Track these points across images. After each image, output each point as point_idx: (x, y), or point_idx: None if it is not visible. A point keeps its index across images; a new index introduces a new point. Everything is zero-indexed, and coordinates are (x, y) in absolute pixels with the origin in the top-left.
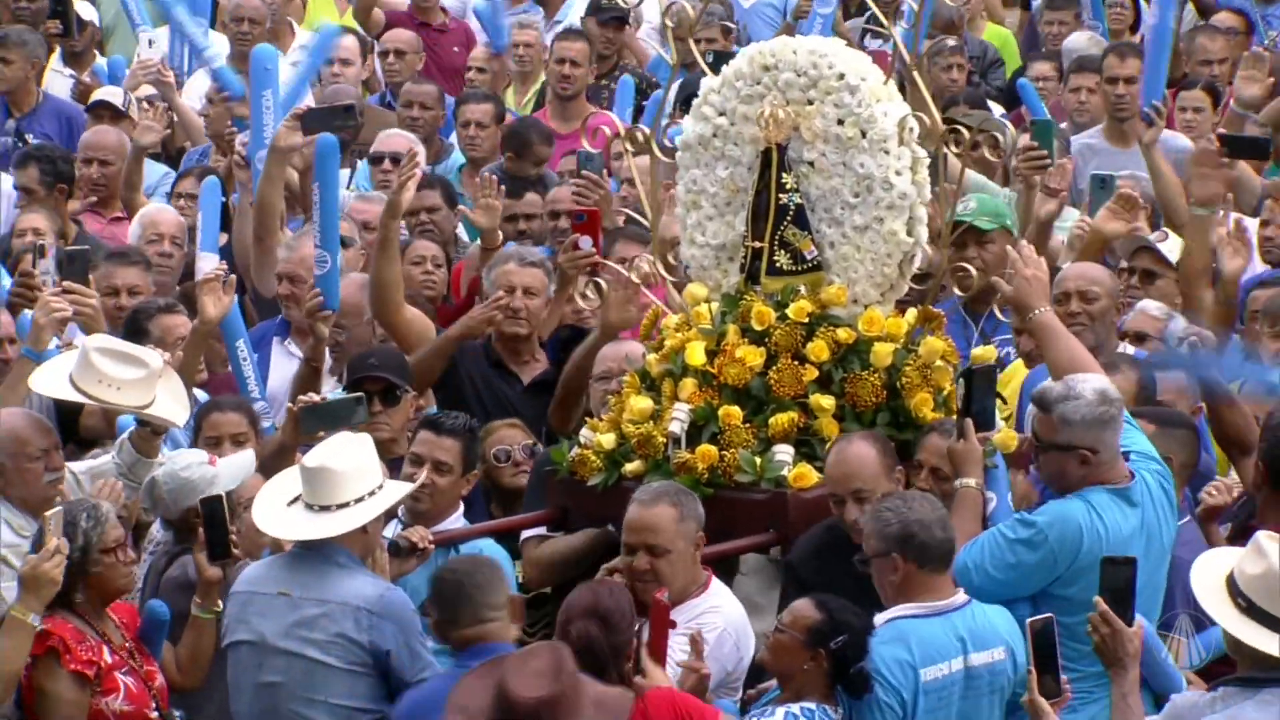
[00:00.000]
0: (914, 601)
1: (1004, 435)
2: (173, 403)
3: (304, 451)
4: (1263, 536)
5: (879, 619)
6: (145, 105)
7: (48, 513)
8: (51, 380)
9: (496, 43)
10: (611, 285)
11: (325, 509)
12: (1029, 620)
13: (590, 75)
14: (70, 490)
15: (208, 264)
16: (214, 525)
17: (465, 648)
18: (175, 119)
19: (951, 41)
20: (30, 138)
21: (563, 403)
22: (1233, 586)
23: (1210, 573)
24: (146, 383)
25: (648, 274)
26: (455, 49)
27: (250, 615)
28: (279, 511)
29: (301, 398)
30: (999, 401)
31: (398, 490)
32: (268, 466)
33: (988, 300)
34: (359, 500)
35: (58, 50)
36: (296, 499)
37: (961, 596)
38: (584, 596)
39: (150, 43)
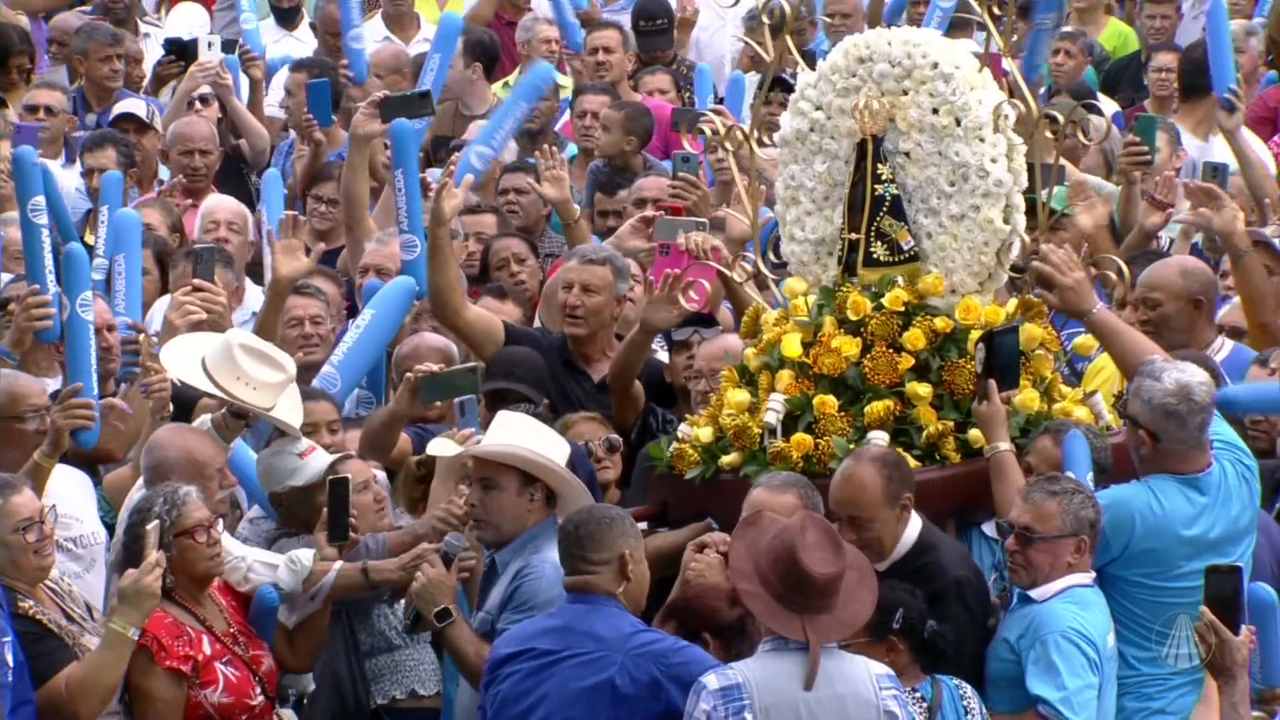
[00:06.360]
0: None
1: (1025, 396)
2: (291, 407)
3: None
4: None
5: (1058, 584)
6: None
7: (147, 525)
8: (183, 365)
9: (572, 40)
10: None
11: None
12: (1208, 566)
13: (628, 62)
14: None
15: None
16: (338, 507)
17: (570, 592)
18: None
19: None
20: None
21: (612, 391)
22: None
23: None
24: (280, 388)
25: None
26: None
27: None
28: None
29: (419, 367)
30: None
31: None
32: (376, 435)
33: None
34: None
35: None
36: None
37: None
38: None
39: (210, 45)
